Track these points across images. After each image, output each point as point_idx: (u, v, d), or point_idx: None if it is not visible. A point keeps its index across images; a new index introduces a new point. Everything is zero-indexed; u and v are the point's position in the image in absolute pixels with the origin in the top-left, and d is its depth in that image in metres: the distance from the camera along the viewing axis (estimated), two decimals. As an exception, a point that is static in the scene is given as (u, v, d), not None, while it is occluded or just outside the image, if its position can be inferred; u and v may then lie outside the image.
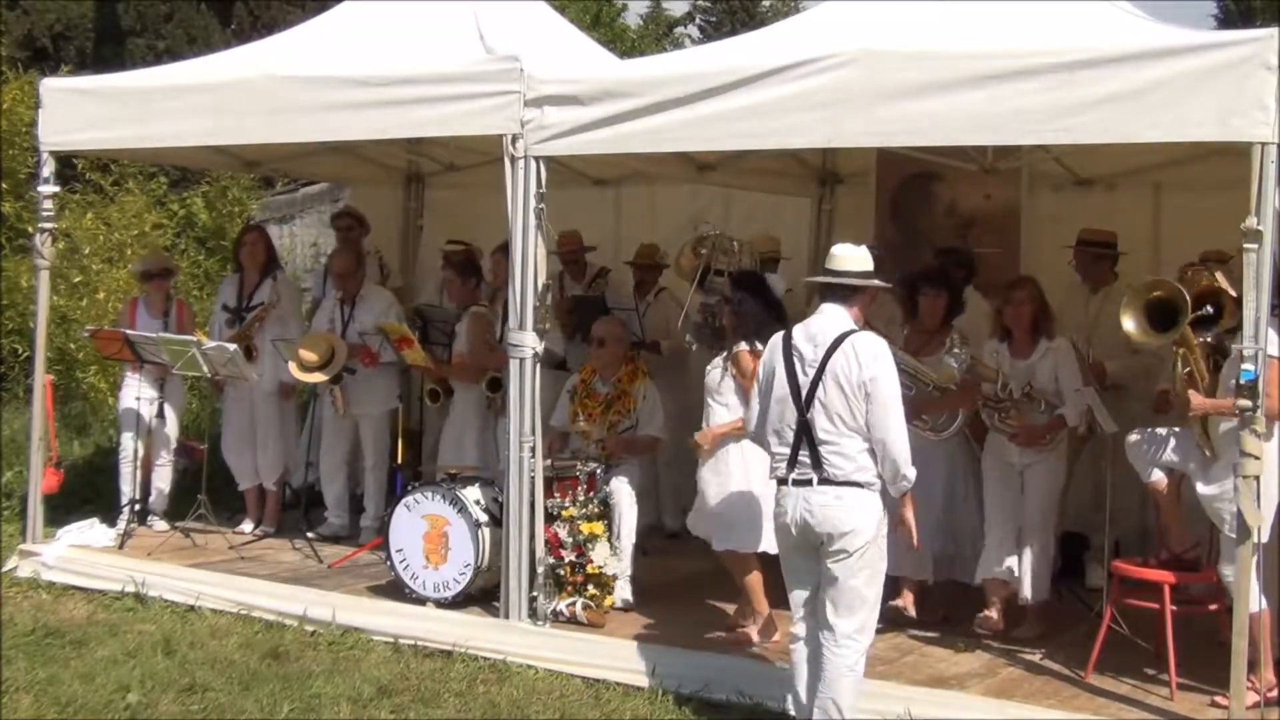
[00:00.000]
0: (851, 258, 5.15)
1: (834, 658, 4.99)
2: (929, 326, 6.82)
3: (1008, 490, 6.55)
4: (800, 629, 5.16)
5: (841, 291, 5.12)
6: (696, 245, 7.71)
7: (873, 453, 4.97)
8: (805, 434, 5.00)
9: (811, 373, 4.99)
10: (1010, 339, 6.60)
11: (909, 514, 5.13)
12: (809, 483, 4.98)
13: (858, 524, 4.94)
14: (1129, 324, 5.76)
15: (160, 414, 8.50)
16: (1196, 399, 5.66)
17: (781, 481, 5.09)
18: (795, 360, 5.06)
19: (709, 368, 6.46)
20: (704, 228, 7.41)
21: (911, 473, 5.00)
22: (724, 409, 6.30)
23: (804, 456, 5.01)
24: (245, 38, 14.59)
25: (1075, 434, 6.80)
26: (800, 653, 5.15)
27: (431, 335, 8.45)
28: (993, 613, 6.47)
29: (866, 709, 5.16)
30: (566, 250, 8.83)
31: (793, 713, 5.20)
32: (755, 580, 6.31)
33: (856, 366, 4.93)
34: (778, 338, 5.20)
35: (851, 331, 5.02)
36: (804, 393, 5.00)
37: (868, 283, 5.17)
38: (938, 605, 6.75)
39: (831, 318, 5.10)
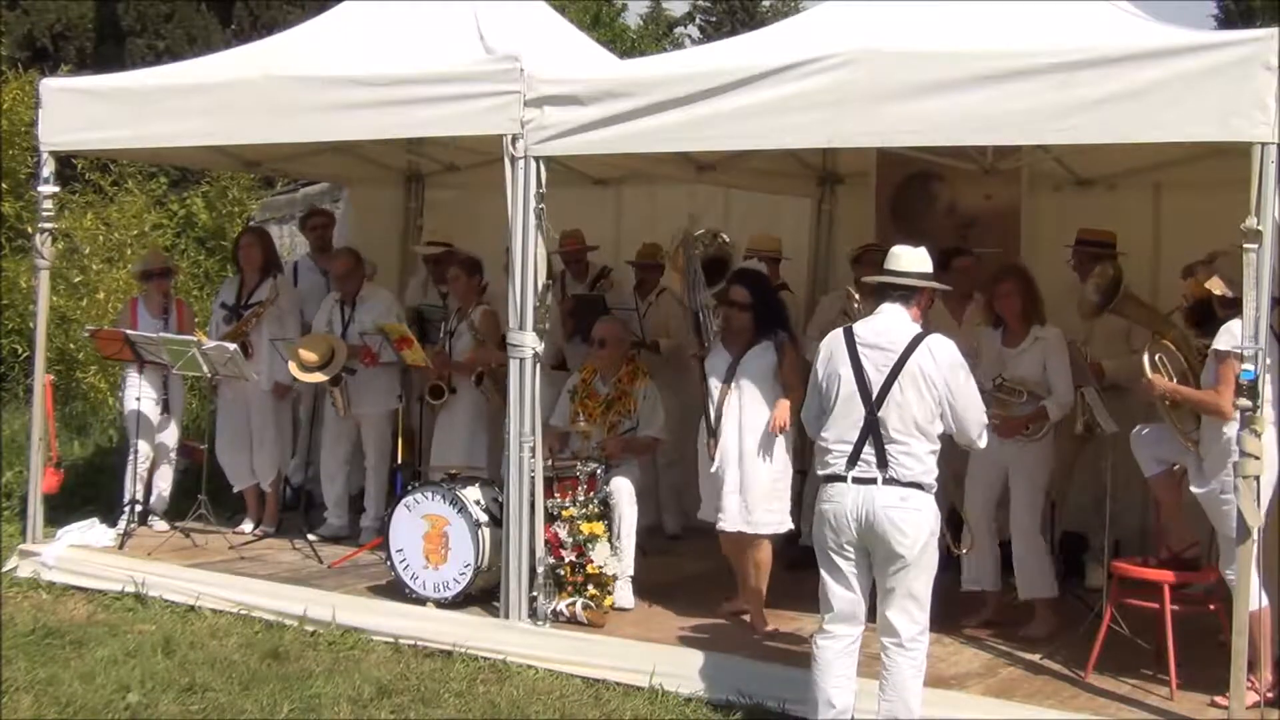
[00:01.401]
0: (911, 258, 5.16)
1: (903, 661, 5.00)
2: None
3: (990, 494, 6.64)
4: (834, 626, 5.12)
5: (901, 292, 5.13)
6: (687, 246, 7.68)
7: (934, 454, 5.00)
8: (872, 432, 4.97)
9: (885, 372, 4.98)
10: (1004, 328, 6.66)
11: None
12: (872, 481, 4.96)
13: (921, 526, 4.94)
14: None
15: (164, 413, 8.51)
16: (1160, 381, 5.76)
17: (838, 479, 5.03)
18: (863, 358, 5.04)
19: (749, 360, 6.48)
20: (696, 226, 7.40)
21: (983, 442, 5.17)
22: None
23: (868, 455, 4.97)
24: (245, 38, 14.61)
25: (1075, 434, 6.82)
26: (831, 650, 5.10)
27: (432, 336, 8.45)
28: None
29: (865, 709, 5.15)
30: (569, 249, 8.83)
31: (821, 715, 5.12)
32: None
33: (935, 369, 4.95)
34: (838, 335, 5.18)
35: (925, 334, 5.05)
36: (875, 392, 4.99)
37: (928, 284, 5.18)
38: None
39: (893, 318, 5.10)
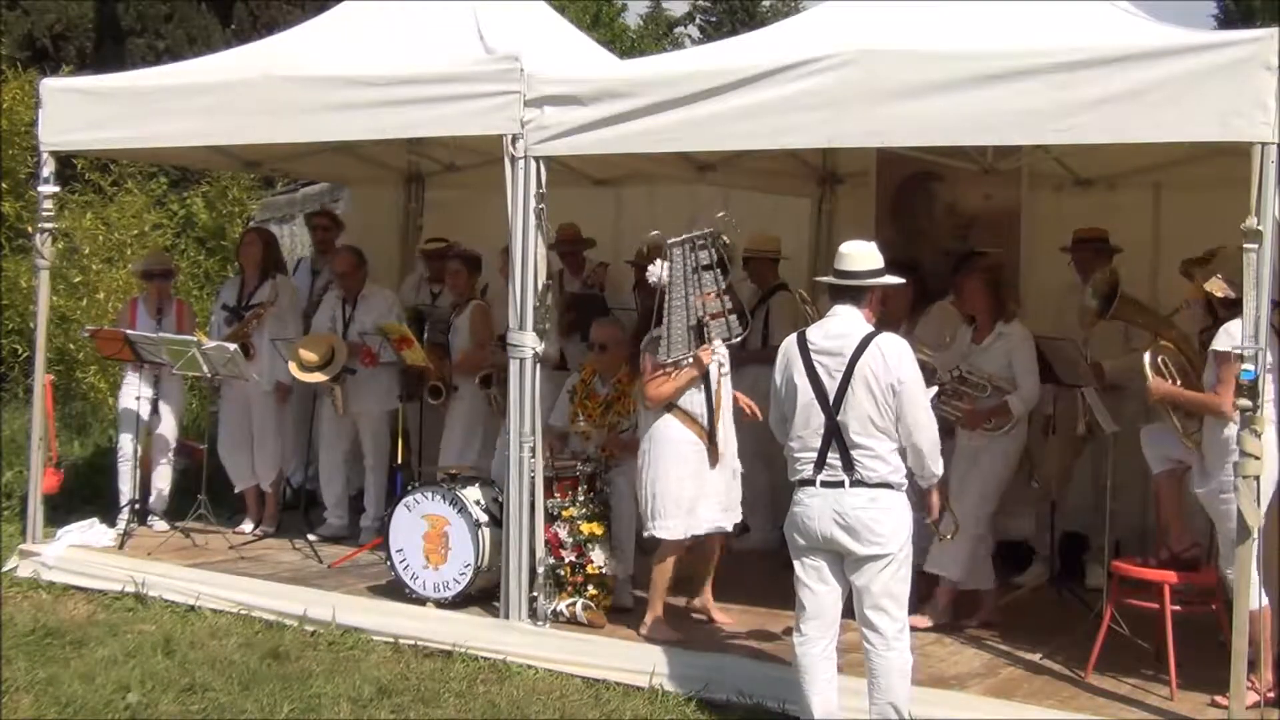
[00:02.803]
0: (860, 256, 5.11)
1: (886, 661, 4.99)
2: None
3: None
4: (811, 629, 5.12)
5: (850, 291, 5.09)
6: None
7: (903, 451, 4.99)
8: (834, 437, 4.97)
9: (839, 376, 4.96)
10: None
11: (934, 499, 5.28)
12: (840, 485, 4.96)
13: (893, 525, 4.94)
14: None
15: (158, 413, 8.51)
16: (1158, 384, 5.78)
17: (807, 483, 5.04)
18: (816, 364, 5.02)
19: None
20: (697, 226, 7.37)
21: (939, 468, 5.08)
22: None
23: (833, 459, 4.97)
24: (245, 38, 14.59)
25: (1075, 434, 6.83)
26: (809, 656, 5.11)
27: (432, 335, 8.45)
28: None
29: (857, 709, 5.14)
30: (564, 241, 8.83)
31: (807, 717, 5.14)
32: None
33: (884, 368, 4.93)
34: (792, 342, 5.16)
35: (875, 333, 5.01)
36: (831, 396, 4.97)
37: (874, 282, 5.11)
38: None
39: (845, 320, 5.07)
